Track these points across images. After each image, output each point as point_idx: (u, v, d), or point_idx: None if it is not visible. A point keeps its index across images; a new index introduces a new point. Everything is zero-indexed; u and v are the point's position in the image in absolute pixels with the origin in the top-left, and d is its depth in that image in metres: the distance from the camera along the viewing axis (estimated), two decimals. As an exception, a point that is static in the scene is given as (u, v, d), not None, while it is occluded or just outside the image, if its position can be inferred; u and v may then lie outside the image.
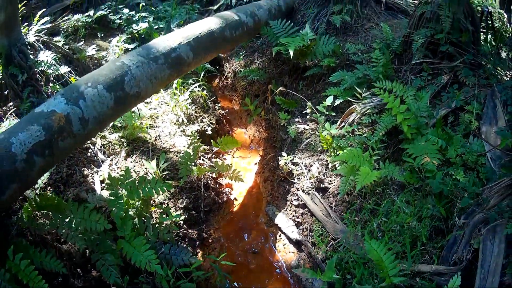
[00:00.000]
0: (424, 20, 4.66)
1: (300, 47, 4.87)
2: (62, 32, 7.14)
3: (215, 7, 9.78)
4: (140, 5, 7.52)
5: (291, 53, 4.68)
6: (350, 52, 5.09)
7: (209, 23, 4.53)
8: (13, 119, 4.57)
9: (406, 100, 4.04)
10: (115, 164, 4.38)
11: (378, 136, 3.90)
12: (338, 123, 4.37)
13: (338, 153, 4.02)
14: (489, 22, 6.23)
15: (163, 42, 3.84)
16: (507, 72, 4.92)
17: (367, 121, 4.14)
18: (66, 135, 2.91)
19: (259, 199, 4.79)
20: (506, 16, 10.63)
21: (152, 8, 7.76)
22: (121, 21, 7.24)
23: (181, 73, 4.00)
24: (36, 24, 6.26)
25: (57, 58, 5.29)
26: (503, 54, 8.22)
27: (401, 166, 3.74)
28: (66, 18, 7.69)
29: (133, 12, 7.46)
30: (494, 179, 3.33)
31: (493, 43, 5.55)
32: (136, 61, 3.47)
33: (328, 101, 4.38)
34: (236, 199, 4.78)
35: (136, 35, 6.68)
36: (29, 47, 5.33)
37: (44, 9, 7.15)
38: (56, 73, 5.09)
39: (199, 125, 5.19)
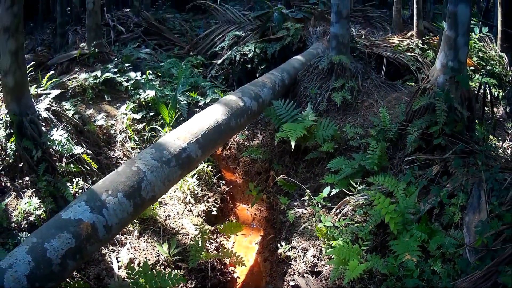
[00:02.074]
0: (421, 109, 5.49)
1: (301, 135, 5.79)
2: (70, 91, 8.03)
3: (219, 61, 10.84)
4: (147, 72, 8.48)
5: (293, 144, 5.61)
6: (349, 136, 6.01)
7: (216, 114, 5.46)
8: (30, 195, 5.38)
9: (396, 195, 4.92)
10: (129, 242, 5.30)
11: (368, 229, 4.78)
12: (333, 211, 5.26)
13: (331, 243, 4.89)
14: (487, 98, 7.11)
15: (174, 142, 4.77)
16: (498, 153, 5.73)
17: (360, 213, 5.02)
18: (93, 241, 3.81)
19: (259, 278, 5.69)
20: (506, 59, 11.59)
21: (158, 73, 8.72)
22: (128, 84, 8.17)
23: (190, 170, 4.95)
24: (45, 86, 7.21)
25: (69, 138, 6.08)
26: (501, 109, 9.08)
27: (386, 258, 4.59)
28: (73, 77, 8.66)
29: (139, 74, 8.42)
30: (468, 270, 4.07)
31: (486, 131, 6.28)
32: (150, 166, 4.38)
33: (325, 192, 5.30)
34: (239, 277, 5.67)
35: (143, 102, 7.62)
36: (40, 117, 6.15)
37: (52, 72, 8.08)
38: (70, 153, 5.94)
39: (205, 205, 6.13)
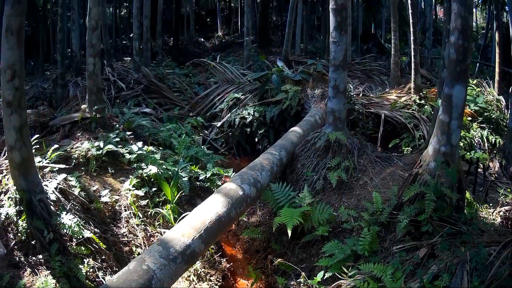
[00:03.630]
0: (412, 196, 6.20)
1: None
2: (74, 161, 8.72)
3: (218, 124, 11.66)
4: (149, 147, 9.25)
5: (289, 232, 6.36)
6: (343, 219, 6.75)
7: (216, 207, 6.19)
8: (46, 275, 5.95)
9: (384, 280, 5.65)
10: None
11: (358, 312, 5.53)
12: (326, 295, 6.02)
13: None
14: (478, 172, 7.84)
15: (179, 239, 5.53)
16: (487, 227, 6.41)
17: (351, 298, 5.77)
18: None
19: None
20: (504, 102, 12.35)
21: (160, 148, 9.50)
22: (131, 156, 8.90)
23: (194, 263, 5.71)
24: (49, 157, 7.92)
25: (78, 222, 6.74)
26: (496, 164, 9.76)
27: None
28: (76, 146, 9.38)
29: (140, 144, 9.19)
30: None
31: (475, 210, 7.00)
32: (159, 264, 5.14)
33: (319, 276, 6.05)
34: None
35: (146, 177, 8.36)
36: (49, 198, 6.81)
37: (56, 146, 8.81)
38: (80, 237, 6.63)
39: (207, 284, 6.85)
